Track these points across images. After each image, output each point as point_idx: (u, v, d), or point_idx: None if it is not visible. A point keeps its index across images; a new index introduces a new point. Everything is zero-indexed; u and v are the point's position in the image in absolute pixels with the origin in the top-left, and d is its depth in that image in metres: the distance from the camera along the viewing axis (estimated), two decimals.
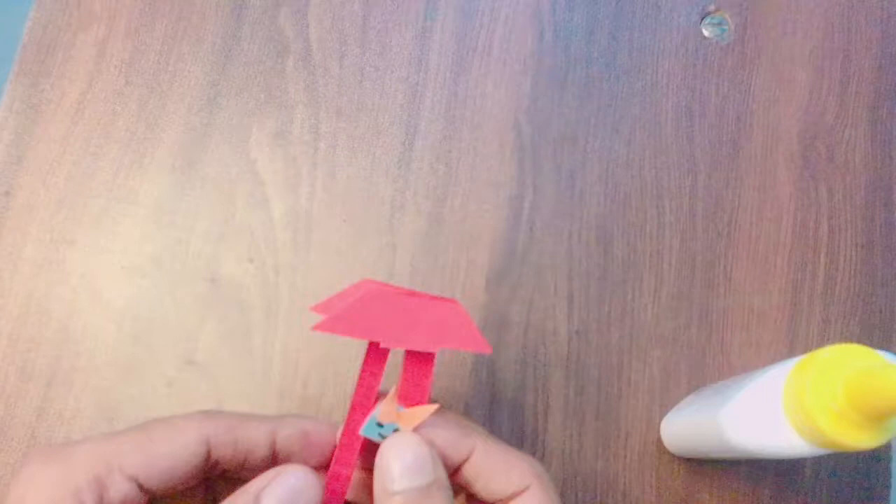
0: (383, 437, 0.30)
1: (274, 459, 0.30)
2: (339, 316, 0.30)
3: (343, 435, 0.30)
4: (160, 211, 0.43)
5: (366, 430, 0.30)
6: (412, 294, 0.30)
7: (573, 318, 0.43)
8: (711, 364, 0.43)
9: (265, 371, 0.41)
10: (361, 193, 0.44)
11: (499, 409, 0.41)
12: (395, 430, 0.30)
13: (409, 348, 0.30)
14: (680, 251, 0.44)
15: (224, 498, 0.31)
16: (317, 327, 0.29)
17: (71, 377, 0.40)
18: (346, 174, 0.44)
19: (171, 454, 0.28)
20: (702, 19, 0.48)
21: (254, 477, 0.29)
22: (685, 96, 0.47)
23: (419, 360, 0.31)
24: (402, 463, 0.28)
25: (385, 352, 0.30)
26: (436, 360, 0.30)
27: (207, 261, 0.42)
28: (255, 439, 0.29)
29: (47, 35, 0.44)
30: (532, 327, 0.42)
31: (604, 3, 0.48)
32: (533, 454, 0.41)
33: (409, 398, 0.31)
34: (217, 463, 0.29)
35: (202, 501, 0.32)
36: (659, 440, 0.41)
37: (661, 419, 0.42)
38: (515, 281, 0.43)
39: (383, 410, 0.30)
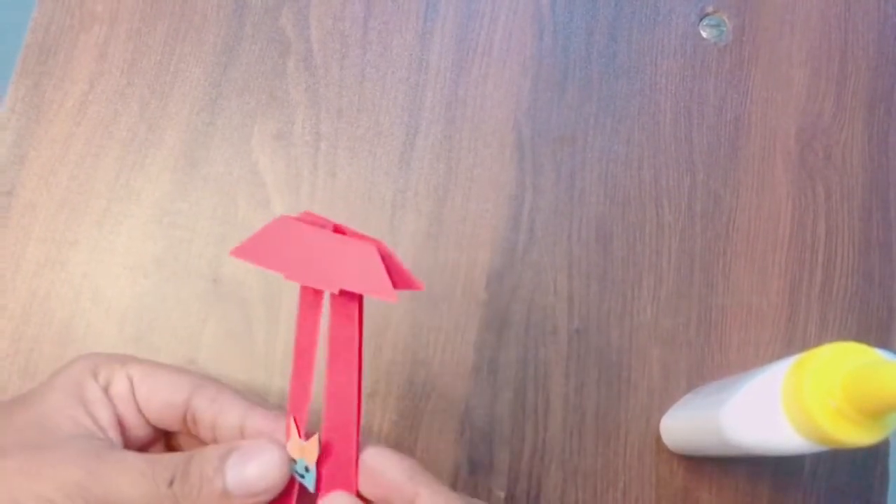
0: (300, 476, 0.31)
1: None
2: (246, 244, 0.30)
3: (290, 396, 0.31)
4: (162, 211, 0.43)
5: None
6: (333, 231, 0.29)
7: (573, 317, 0.43)
8: (710, 363, 0.43)
9: (267, 370, 0.41)
10: (362, 193, 0.44)
11: (499, 407, 0.41)
12: (307, 468, 0.30)
13: (312, 285, 0.29)
14: (679, 251, 0.45)
15: None
16: (232, 252, 0.30)
17: None
18: (346, 174, 0.44)
19: (160, 381, 0.33)
20: (700, 20, 0.48)
21: None
22: (683, 97, 0.47)
23: (343, 309, 0.30)
24: None
25: (318, 294, 0.30)
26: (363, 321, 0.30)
27: (209, 260, 0.42)
28: (229, 409, 0.32)
29: (49, 36, 0.44)
30: (532, 326, 0.43)
31: (603, 5, 0.48)
32: (533, 453, 0.41)
33: (337, 365, 0.30)
34: (195, 418, 0.33)
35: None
36: (658, 438, 0.42)
37: (660, 417, 0.42)
38: (515, 280, 0.43)
39: (291, 445, 0.31)
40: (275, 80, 0.45)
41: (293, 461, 0.30)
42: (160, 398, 0.33)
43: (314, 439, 0.30)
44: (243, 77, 0.45)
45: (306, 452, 0.30)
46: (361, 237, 0.28)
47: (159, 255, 0.42)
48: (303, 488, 0.31)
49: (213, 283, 0.42)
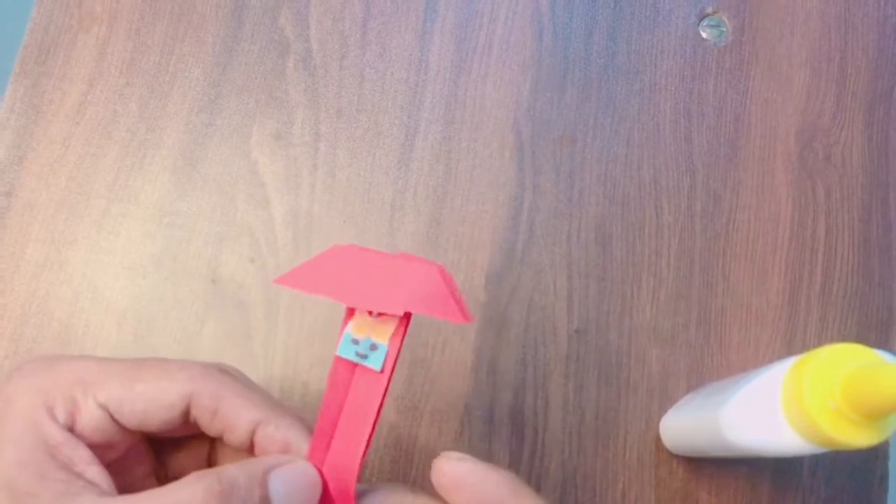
0: (361, 358, 0.28)
1: (250, 449, 0.29)
2: (300, 270, 0.28)
3: (318, 423, 0.28)
4: (161, 211, 0.43)
5: (342, 350, 0.28)
6: (390, 255, 0.28)
7: (572, 317, 0.43)
8: (710, 363, 0.43)
9: (266, 371, 0.41)
10: (361, 194, 0.44)
11: (499, 408, 0.41)
12: (373, 346, 0.28)
13: (374, 309, 0.28)
14: (678, 251, 0.45)
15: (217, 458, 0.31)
16: (277, 281, 0.28)
17: None
18: (346, 175, 0.44)
19: (148, 398, 0.27)
20: (700, 21, 0.48)
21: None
22: (683, 97, 0.47)
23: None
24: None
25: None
26: (408, 329, 0.28)
27: (208, 261, 0.42)
28: (235, 422, 0.28)
29: (48, 36, 0.44)
30: (532, 327, 0.43)
31: (602, 5, 0.48)
32: (532, 453, 0.41)
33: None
34: (198, 425, 0.29)
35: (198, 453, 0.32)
36: (658, 439, 0.42)
37: (659, 418, 0.42)
38: (515, 281, 0.43)
39: (357, 323, 0.28)
40: (274, 80, 0.45)
41: (354, 343, 0.28)
42: (150, 419, 0.27)
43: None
44: (242, 77, 0.45)
45: (377, 329, 0.28)
46: (421, 261, 0.28)
47: (158, 256, 0.42)
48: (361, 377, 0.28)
49: (212, 283, 0.42)
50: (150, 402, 0.27)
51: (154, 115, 0.44)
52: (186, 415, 0.28)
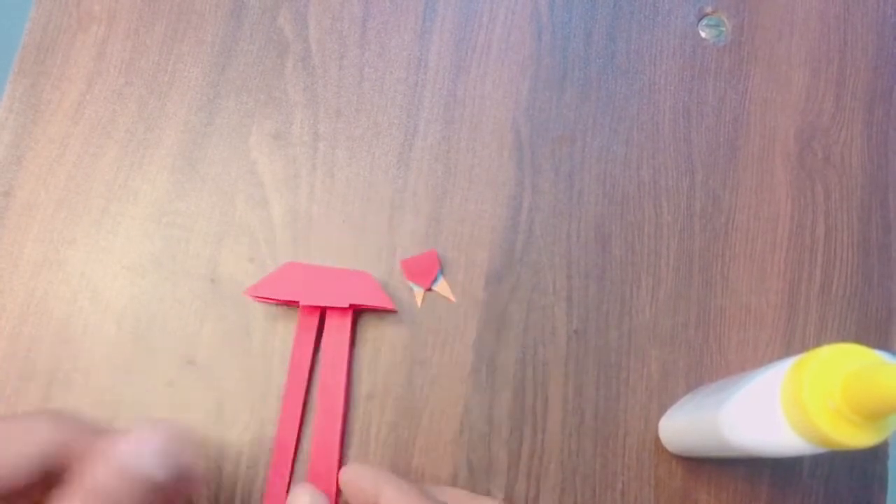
0: None
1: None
2: (262, 283, 0.40)
3: (277, 439, 0.38)
4: (160, 211, 0.43)
5: None
6: (328, 268, 0.41)
7: (572, 317, 0.43)
8: (709, 363, 0.43)
9: (265, 371, 0.41)
10: (360, 194, 0.44)
11: (498, 408, 0.41)
12: None
13: (324, 305, 0.40)
14: (678, 251, 0.45)
15: None
16: (246, 292, 0.40)
17: (71, 377, 0.40)
18: (345, 175, 0.44)
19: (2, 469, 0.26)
20: (699, 21, 0.48)
21: None
22: (682, 97, 0.47)
23: (337, 323, 0.40)
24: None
25: (313, 321, 0.40)
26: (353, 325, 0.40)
27: (207, 261, 0.42)
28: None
29: (47, 36, 0.44)
30: (531, 327, 0.43)
31: (601, 4, 0.48)
32: (532, 454, 0.41)
33: (329, 358, 0.40)
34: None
35: None
36: (657, 439, 0.42)
37: (659, 418, 0.42)
38: (514, 281, 0.43)
39: None
40: (273, 79, 0.45)
41: None
42: (8, 484, 0.25)
43: None
44: (241, 77, 0.45)
45: None
46: (351, 271, 0.41)
47: (157, 255, 0.42)
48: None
49: (211, 282, 0.42)
50: (6, 472, 0.26)
51: (153, 115, 0.44)
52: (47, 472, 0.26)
